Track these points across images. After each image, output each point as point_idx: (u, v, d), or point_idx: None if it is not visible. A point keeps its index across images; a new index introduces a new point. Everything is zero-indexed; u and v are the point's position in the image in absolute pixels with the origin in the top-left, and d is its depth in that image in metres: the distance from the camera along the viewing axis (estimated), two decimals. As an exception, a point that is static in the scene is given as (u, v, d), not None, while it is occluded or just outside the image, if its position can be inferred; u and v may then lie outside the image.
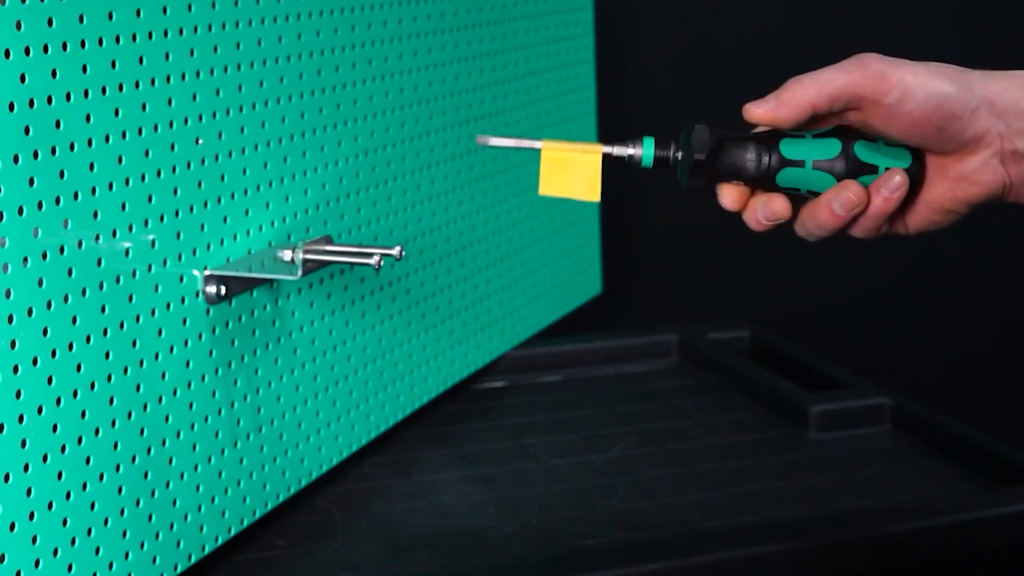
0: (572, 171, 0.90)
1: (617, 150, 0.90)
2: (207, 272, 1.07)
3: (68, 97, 0.93)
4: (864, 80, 0.87)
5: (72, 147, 0.93)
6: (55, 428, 0.93)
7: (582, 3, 1.68)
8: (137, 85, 0.99)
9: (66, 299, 0.94)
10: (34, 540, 0.92)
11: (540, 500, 1.28)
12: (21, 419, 0.91)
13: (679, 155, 0.89)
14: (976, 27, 2.13)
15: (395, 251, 1.11)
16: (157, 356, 1.03)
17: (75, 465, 0.95)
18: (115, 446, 0.99)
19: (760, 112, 0.88)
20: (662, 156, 0.89)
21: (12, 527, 0.90)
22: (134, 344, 1.00)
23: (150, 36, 1.00)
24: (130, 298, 1.00)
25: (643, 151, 0.89)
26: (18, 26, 0.88)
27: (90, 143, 0.95)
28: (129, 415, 1.00)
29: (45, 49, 0.91)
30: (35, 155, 0.90)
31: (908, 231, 0.93)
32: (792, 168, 0.89)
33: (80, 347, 0.95)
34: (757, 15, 2.04)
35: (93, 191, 0.96)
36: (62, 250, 0.93)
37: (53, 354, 0.93)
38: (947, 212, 0.91)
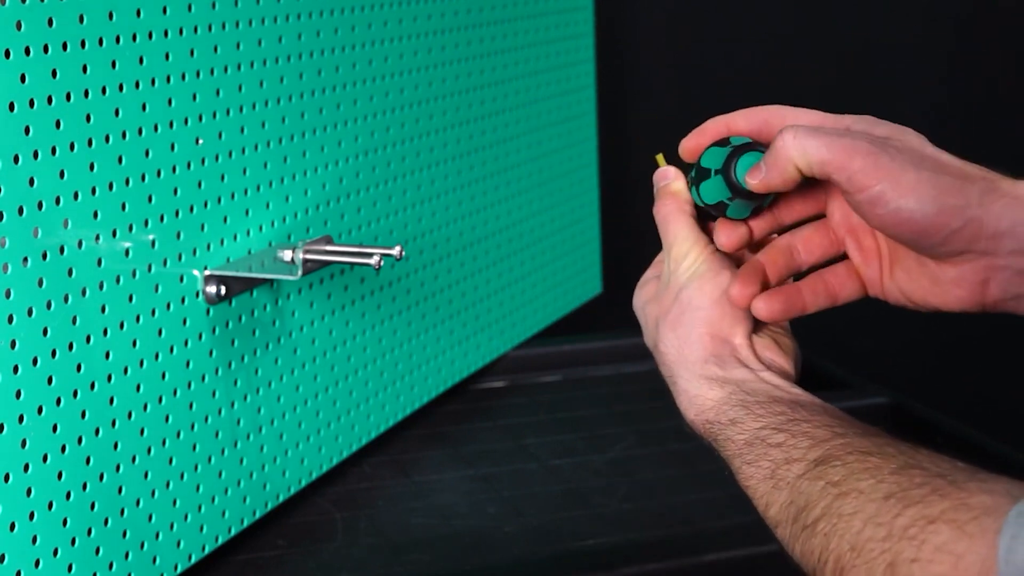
0: None
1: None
2: (207, 272, 1.07)
3: (68, 97, 0.93)
4: (847, 167, 0.79)
5: (72, 147, 0.93)
6: (55, 428, 0.93)
7: (582, 3, 1.68)
8: (137, 85, 0.99)
9: (66, 299, 0.94)
10: (34, 540, 0.92)
11: (540, 500, 1.28)
12: (21, 419, 0.91)
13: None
14: (976, 29, 2.13)
15: (395, 251, 1.11)
16: (157, 356, 1.03)
17: (75, 465, 0.95)
18: (115, 446, 0.99)
19: (755, 183, 0.83)
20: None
21: (12, 527, 0.90)
22: (134, 344, 1.00)
23: (150, 36, 1.00)
24: (130, 298, 1.00)
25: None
26: (18, 26, 0.88)
27: (90, 143, 0.95)
28: (129, 415, 1.00)
29: (45, 49, 0.91)
30: (35, 155, 0.90)
31: (885, 297, 0.87)
32: (716, 209, 0.88)
33: (80, 347, 0.95)
34: (758, 15, 2.04)
35: (93, 191, 0.96)
36: (62, 250, 0.93)
37: (53, 354, 0.93)
38: (917, 306, 0.85)
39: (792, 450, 0.79)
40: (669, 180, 0.90)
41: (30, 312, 0.91)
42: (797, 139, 0.80)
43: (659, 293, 0.90)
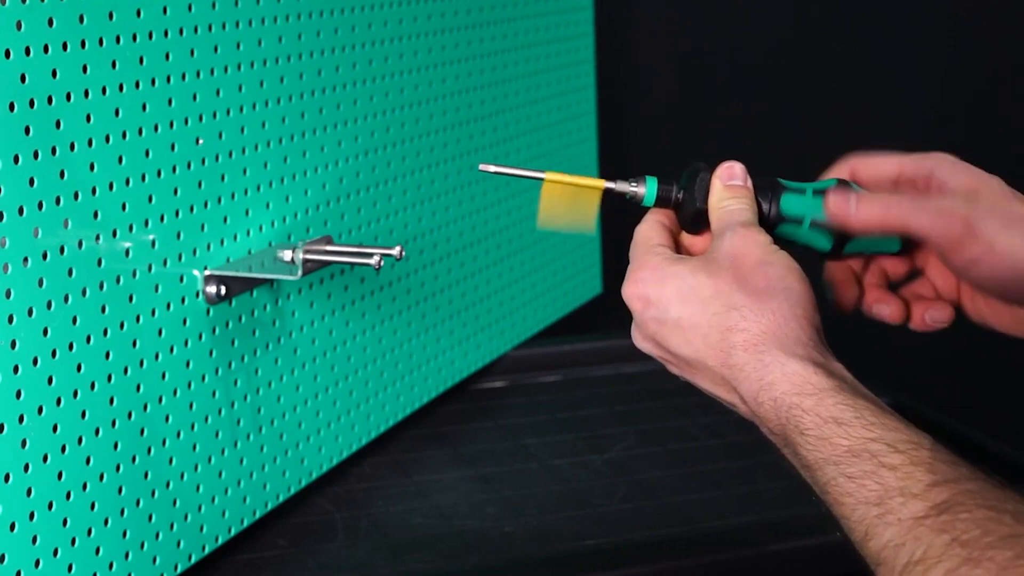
0: (571, 203, 0.91)
1: (619, 186, 0.90)
2: (207, 272, 1.07)
3: (68, 97, 0.93)
4: (949, 231, 0.83)
5: (72, 147, 0.93)
6: (55, 428, 0.93)
7: (582, 3, 1.68)
8: (137, 85, 0.99)
9: (66, 299, 0.94)
10: (34, 540, 0.92)
11: (540, 500, 1.28)
12: (21, 419, 0.91)
13: (680, 196, 0.89)
14: (976, 29, 2.13)
15: (395, 251, 1.11)
16: (157, 356, 1.03)
17: (75, 465, 0.95)
18: (115, 446, 0.99)
19: (836, 210, 0.87)
20: (664, 197, 0.89)
21: (12, 527, 0.90)
22: (134, 344, 1.00)
23: (150, 36, 1.00)
24: (130, 298, 1.00)
25: (646, 190, 0.89)
26: (18, 26, 0.88)
27: (90, 143, 0.95)
28: (129, 415, 1.00)
29: (45, 49, 0.91)
30: (35, 155, 0.90)
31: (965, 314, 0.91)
32: (790, 224, 0.88)
33: (80, 347, 0.95)
34: (758, 15, 2.04)
35: (93, 191, 0.96)
36: (62, 250, 0.93)
37: (53, 354, 0.93)
38: (996, 330, 0.89)
39: (909, 480, 0.73)
40: (743, 181, 0.88)
41: (30, 312, 0.91)
42: (902, 205, 0.85)
43: (715, 263, 0.84)
